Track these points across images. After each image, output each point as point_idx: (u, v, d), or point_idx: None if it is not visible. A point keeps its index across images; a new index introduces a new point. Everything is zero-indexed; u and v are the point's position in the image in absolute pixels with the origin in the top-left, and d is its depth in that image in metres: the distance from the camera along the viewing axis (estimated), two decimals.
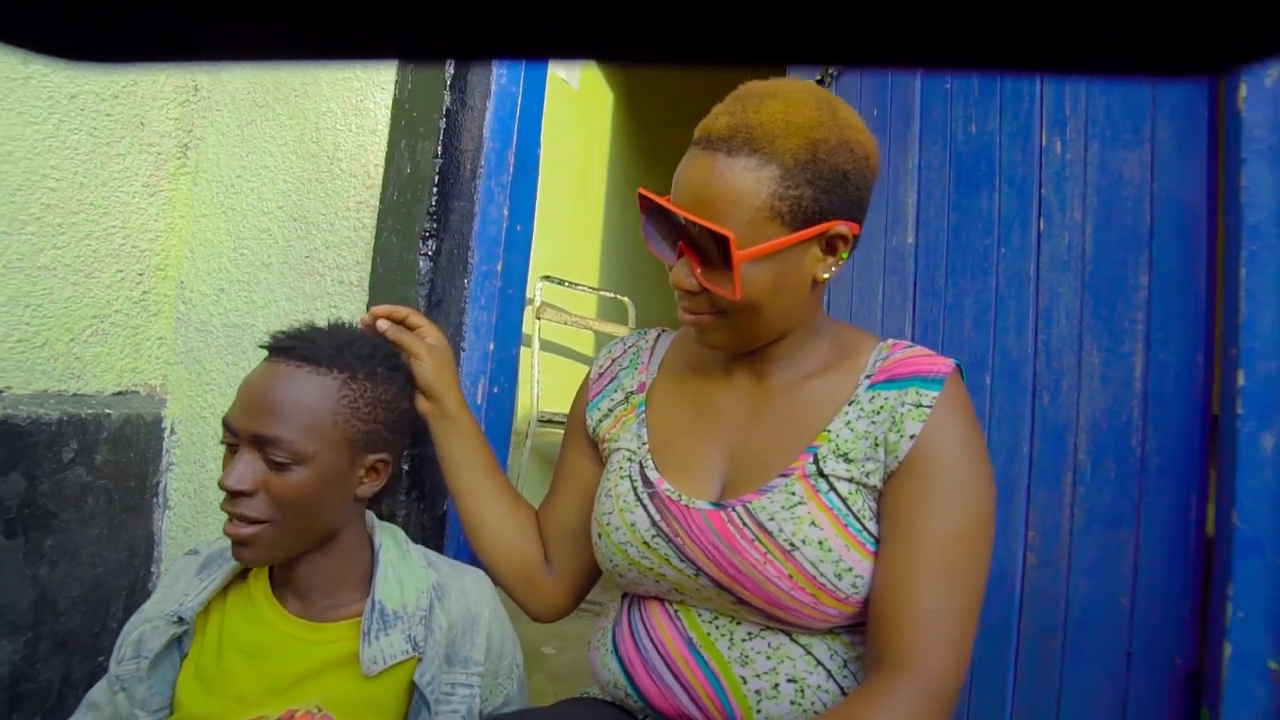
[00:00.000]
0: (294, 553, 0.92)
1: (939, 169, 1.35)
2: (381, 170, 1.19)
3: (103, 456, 1.28)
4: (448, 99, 1.14)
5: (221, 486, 0.85)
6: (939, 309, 1.33)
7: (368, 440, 0.92)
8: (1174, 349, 0.98)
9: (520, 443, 2.38)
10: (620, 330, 2.81)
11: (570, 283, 2.62)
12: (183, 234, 1.39)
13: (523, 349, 2.55)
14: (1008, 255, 1.21)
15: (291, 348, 0.88)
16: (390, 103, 1.19)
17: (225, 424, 0.87)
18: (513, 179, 1.23)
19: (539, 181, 1.31)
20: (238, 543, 0.87)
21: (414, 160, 1.16)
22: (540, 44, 0.17)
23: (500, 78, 1.19)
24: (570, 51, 0.18)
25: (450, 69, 1.13)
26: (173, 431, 1.37)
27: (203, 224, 1.37)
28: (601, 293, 2.98)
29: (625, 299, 3.05)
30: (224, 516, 1.14)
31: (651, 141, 3.49)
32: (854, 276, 1.53)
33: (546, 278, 2.54)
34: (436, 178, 1.15)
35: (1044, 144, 1.17)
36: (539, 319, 2.50)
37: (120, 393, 1.34)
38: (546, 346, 2.63)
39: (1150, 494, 0.99)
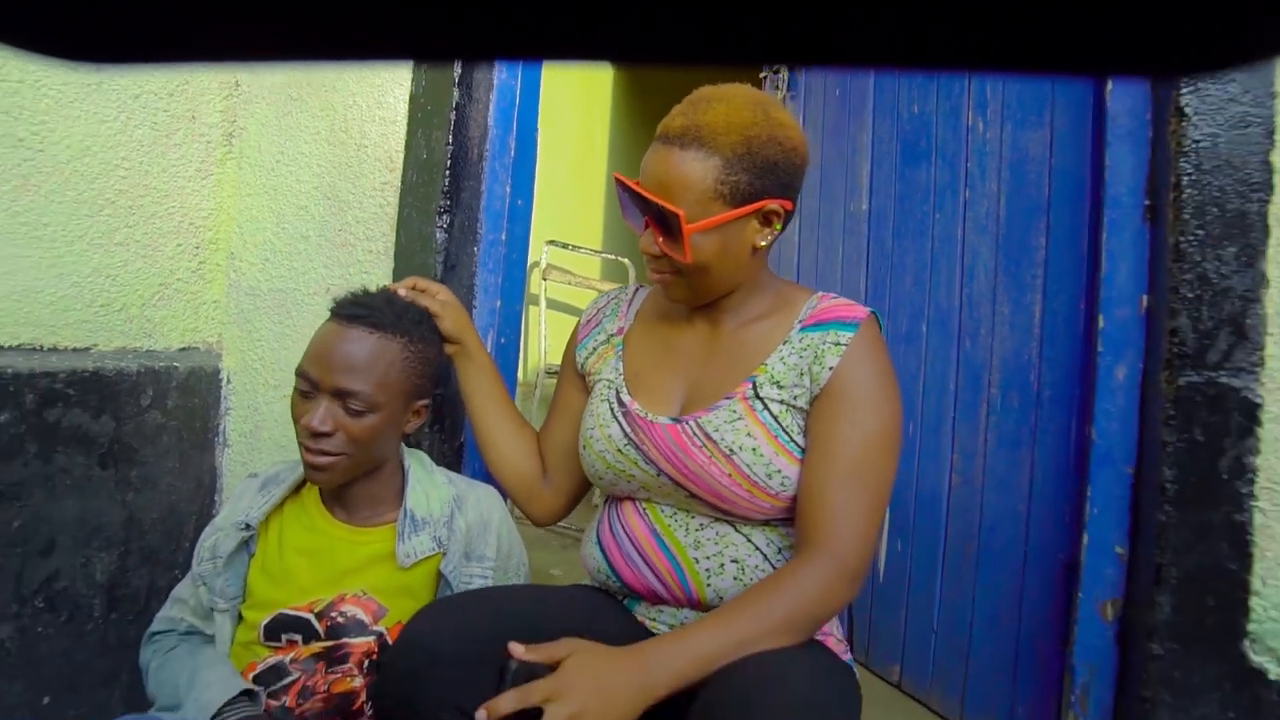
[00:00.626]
0: (354, 476, 1.15)
1: (888, 143, 1.54)
2: (402, 156, 1.39)
3: (173, 402, 1.51)
4: (456, 94, 1.34)
5: (306, 428, 1.07)
6: (886, 267, 1.53)
7: (417, 390, 1.15)
8: (1064, 299, 1.17)
9: (529, 392, 2.61)
10: None
11: (574, 246, 2.82)
12: (231, 212, 1.61)
13: (531, 308, 2.77)
14: (941, 221, 1.40)
15: (364, 315, 1.11)
16: (408, 97, 1.39)
17: (304, 375, 1.10)
18: (514, 160, 1.43)
19: (538, 159, 1.52)
20: (316, 469, 1.10)
21: (429, 147, 1.36)
22: (541, 46, 0.19)
23: (500, 73, 1.39)
24: (569, 54, 0.19)
25: (458, 68, 1.33)
26: (229, 381, 1.60)
27: (248, 203, 1.58)
28: (603, 255, 3.18)
29: (625, 260, 3.26)
30: (274, 452, 1.38)
31: (650, 112, 3.66)
32: (819, 239, 1.72)
33: (551, 242, 2.75)
34: (449, 162, 1.36)
35: (970, 123, 1.36)
36: (545, 280, 2.71)
37: (184, 349, 1.57)
38: (553, 305, 2.84)
39: (1043, 420, 1.20)
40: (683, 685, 0.85)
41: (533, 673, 0.83)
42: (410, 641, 0.87)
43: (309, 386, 1.10)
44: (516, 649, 0.83)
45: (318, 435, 1.08)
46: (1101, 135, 1.10)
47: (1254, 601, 0.94)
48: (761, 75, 1.91)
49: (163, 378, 1.50)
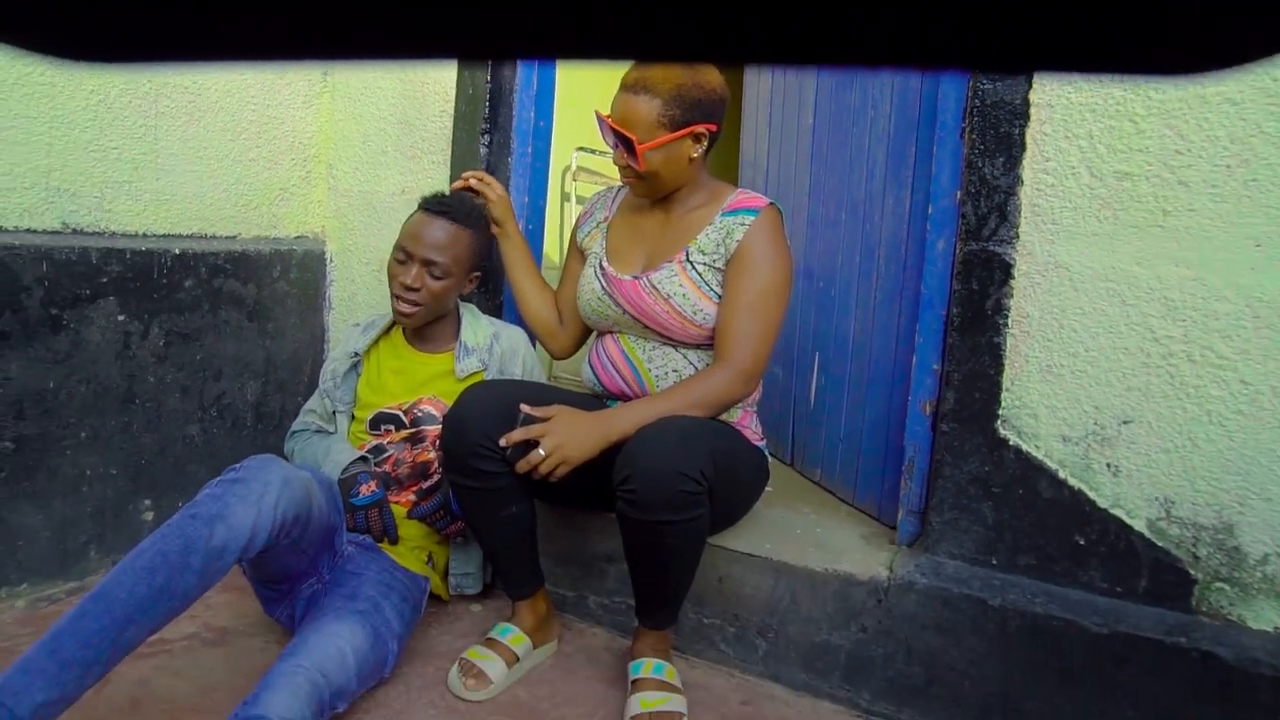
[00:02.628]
0: (427, 320, 1.70)
1: (827, 74, 1.97)
2: (454, 91, 1.89)
3: (294, 275, 2.08)
4: None
5: (401, 284, 1.62)
6: (823, 168, 1.98)
7: (474, 265, 1.69)
8: (921, 194, 1.62)
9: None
10: None
11: (600, 151, 3.29)
12: (329, 133, 2.13)
13: (565, 205, 3.26)
14: (856, 133, 1.85)
15: (447, 211, 1.64)
16: None
17: (401, 248, 1.64)
18: (536, 92, 1.91)
19: (569, 82, 1.99)
20: (403, 315, 1.65)
21: (474, 84, 1.86)
22: (545, 47, 0.19)
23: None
24: (572, 54, 0.20)
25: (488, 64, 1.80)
26: (331, 260, 2.16)
27: (340, 126, 2.10)
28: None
29: None
30: (367, 312, 1.95)
31: None
32: (780, 146, 2.17)
33: (581, 148, 3.21)
34: (488, 95, 1.85)
35: None
36: (574, 181, 3.19)
37: (299, 236, 2.13)
38: (581, 201, 3.32)
39: (908, 282, 1.67)
40: (627, 434, 1.37)
41: (535, 422, 1.38)
42: (462, 401, 1.43)
43: (405, 256, 1.64)
44: (524, 406, 1.38)
45: (409, 289, 1.62)
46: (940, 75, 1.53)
47: (1003, 396, 1.42)
48: None
49: (286, 258, 2.06)
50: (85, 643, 1.10)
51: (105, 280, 1.70)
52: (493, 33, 0.19)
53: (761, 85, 2.22)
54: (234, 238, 1.98)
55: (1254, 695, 1.24)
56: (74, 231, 1.69)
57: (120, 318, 1.74)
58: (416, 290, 1.63)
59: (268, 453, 1.40)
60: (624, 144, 1.49)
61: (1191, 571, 1.32)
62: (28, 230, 1.62)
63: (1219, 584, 1.31)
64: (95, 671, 1.11)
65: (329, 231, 2.16)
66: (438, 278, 1.64)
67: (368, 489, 1.59)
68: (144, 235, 1.80)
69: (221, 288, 1.92)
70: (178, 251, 1.82)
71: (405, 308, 1.64)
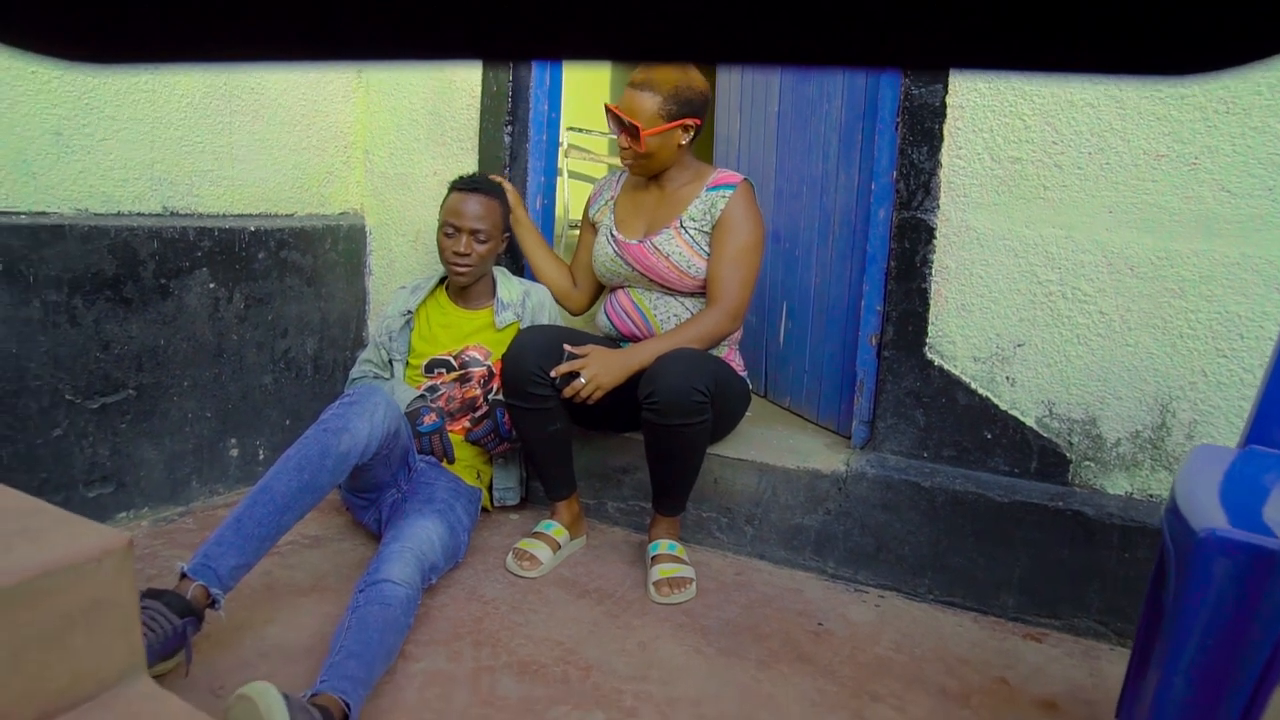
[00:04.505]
0: (479, 278, 2.08)
1: None
2: (480, 87, 2.25)
3: (341, 246, 2.44)
4: None
5: (455, 252, 1.99)
6: (787, 150, 2.39)
7: (504, 227, 2.08)
8: (865, 173, 2.04)
9: (556, 240, 3.52)
10: None
11: (586, 130, 3.66)
12: (365, 123, 2.48)
13: (557, 179, 3.61)
14: (814, 121, 2.26)
15: (480, 187, 2.01)
16: None
17: (448, 223, 2.01)
18: (549, 88, 2.28)
19: (563, 73, 2.36)
20: (459, 275, 2.03)
21: (498, 83, 2.22)
22: (549, 47, 0.20)
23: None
24: (576, 54, 0.20)
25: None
26: (371, 234, 2.52)
27: (377, 118, 2.45)
28: (609, 136, 4.01)
29: None
30: (403, 276, 2.32)
31: None
32: (751, 130, 2.57)
33: (571, 128, 3.58)
34: (510, 92, 2.22)
35: None
36: (566, 157, 3.56)
37: (343, 213, 2.48)
38: (574, 176, 3.70)
39: (856, 243, 2.09)
40: (646, 364, 1.78)
41: (576, 358, 1.79)
42: (518, 340, 1.83)
43: (452, 230, 2.02)
44: (568, 345, 1.79)
45: (462, 256, 2.00)
46: (880, 78, 1.94)
47: (929, 329, 1.86)
48: None
49: (334, 232, 2.42)
50: (259, 521, 1.49)
51: (200, 254, 2.05)
52: (506, 37, 0.19)
53: (734, 76, 2.61)
54: (292, 215, 2.33)
55: (1109, 540, 1.71)
56: (172, 214, 2.03)
57: (211, 285, 2.09)
58: (468, 255, 2.01)
59: (330, 398, 1.79)
60: (629, 130, 1.87)
61: (1067, 455, 1.78)
62: (139, 214, 1.96)
63: (1086, 462, 1.77)
64: (266, 545, 1.50)
65: (368, 208, 2.52)
66: (483, 241, 2.02)
67: (430, 419, 1.99)
68: (225, 215, 2.15)
69: (287, 259, 2.28)
70: (253, 229, 2.17)
71: (462, 269, 2.03)
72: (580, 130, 3.66)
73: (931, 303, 1.85)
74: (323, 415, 1.65)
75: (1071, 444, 1.78)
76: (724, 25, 0.18)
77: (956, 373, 1.85)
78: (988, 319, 1.82)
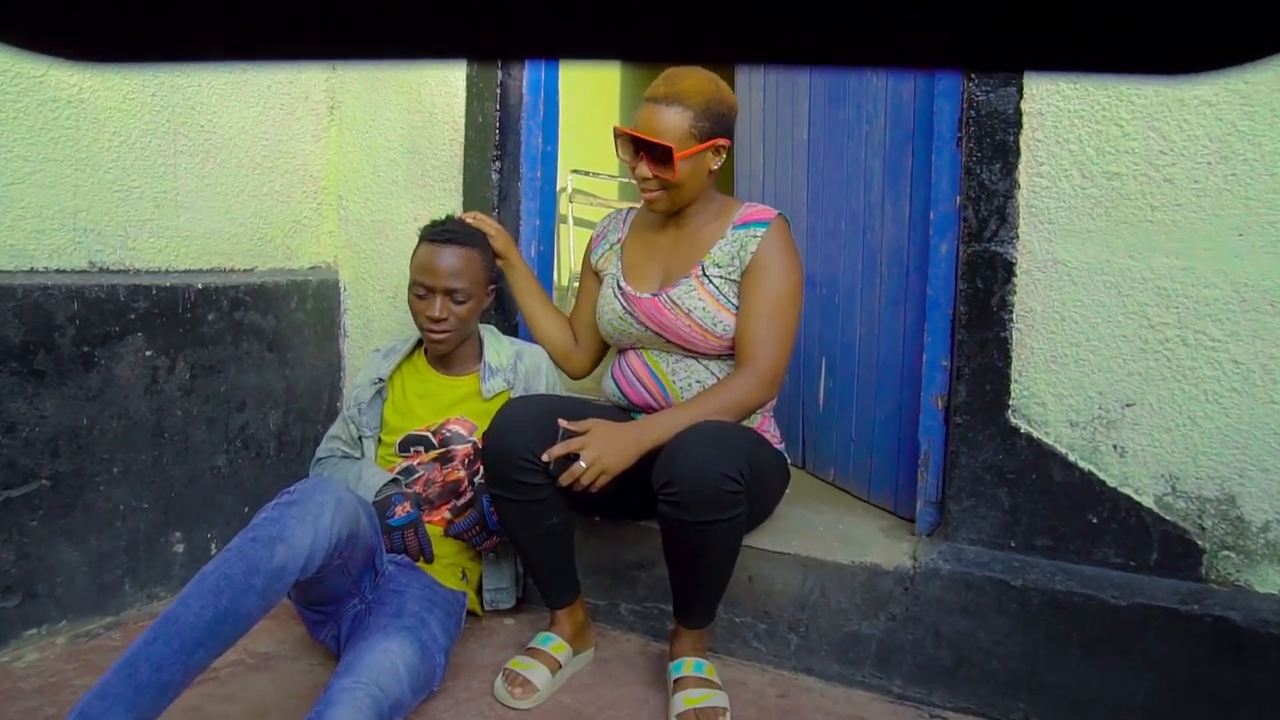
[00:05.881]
0: (461, 341, 1.75)
1: (820, 90, 2.06)
2: (463, 119, 1.96)
3: (310, 305, 2.13)
4: (500, 74, 1.89)
5: (429, 318, 1.66)
6: (820, 181, 2.07)
7: (488, 280, 1.75)
8: (920, 201, 1.71)
9: (563, 295, 3.20)
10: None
11: (594, 173, 3.37)
12: (338, 165, 2.19)
13: (561, 226, 3.32)
14: (852, 147, 1.93)
15: (454, 236, 1.69)
16: (465, 77, 1.94)
17: (419, 284, 1.68)
18: (543, 119, 1.98)
19: (566, 105, 2.07)
20: (437, 344, 1.70)
21: (483, 112, 1.92)
22: (552, 47, 0.20)
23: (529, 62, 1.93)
24: (580, 54, 0.20)
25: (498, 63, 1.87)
26: (346, 289, 2.21)
27: (350, 158, 2.16)
28: (620, 179, 3.72)
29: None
30: (382, 339, 1.99)
31: (643, 68, 4.13)
32: (776, 161, 2.26)
33: (575, 171, 3.29)
34: (497, 123, 1.92)
35: (869, 74, 1.87)
36: (571, 202, 3.27)
37: (313, 267, 2.18)
38: (579, 223, 3.40)
39: (911, 286, 1.75)
40: (662, 442, 1.43)
41: (574, 436, 1.44)
42: (502, 415, 1.48)
43: (424, 291, 1.69)
44: (563, 421, 1.44)
45: (437, 321, 1.67)
46: (934, 87, 1.62)
47: (1013, 387, 1.51)
48: None
49: (302, 288, 2.11)
50: (158, 666, 1.14)
51: (133, 317, 1.74)
52: (499, 31, 0.19)
53: (754, 101, 2.31)
54: (252, 270, 2.02)
55: (1265, 655, 1.32)
56: (101, 270, 1.73)
57: (148, 353, 1.77)
58: (444, 320, 1.68)
59: (295, 480, 1.45)
60: (656, 154, 1.54)
61: (1199, 542, 1.41)
62: (58, 270, 1.66)
63: (1225, 552, 1.39)
64: (169, 694, 1.15)
65: (342, 261, 2.21)
66: (461, 302, 1.70)
67: (402, 510, 1.64)
68: (167, 271, 1.84)
69: (242, 320, 1.96)
70: (200, 286, 1.86)
71: (439, 335, 1.69)
72: (585, 173, 3.38)
73: (1013, 355, 1.50)
74: (254, 519, 1.31)
75: (1204, 529, 1.40)
76: (735, 22, 0.18)
77: (1049, 441, 1.49)
78: (1086, 373, 1.46)
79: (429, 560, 1.65)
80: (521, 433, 1.44)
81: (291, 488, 1.36)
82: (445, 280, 1.68)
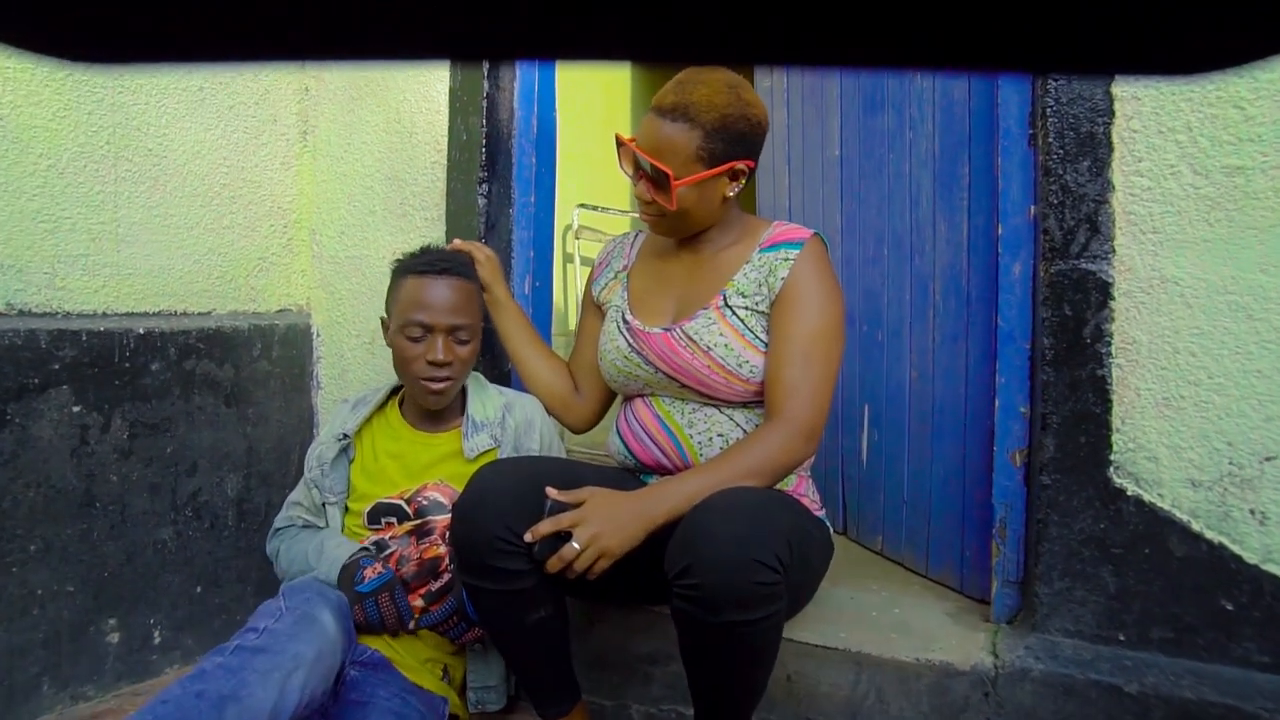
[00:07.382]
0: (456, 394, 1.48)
1: (852, 97, 1.80)
2: (446, 139, 1.71)
3: (276, 353, 1.87)
4: (486, 85, 1.65)
5: (430, 363, 1.39)
6: (855, 202, 1.80)
7: (485, 316, 1.48)
8: (981, 216, 1.44)
9: (565, 344, 2.93)
10: None
11: (601, 207, 3.12)
12: (310, 195, 1.95)
13: (568, 266, 3.08)
14: (893, 159, 1.67)
15: (450, 266, 1.42)
16: (447, 90, 1.70)
17: (414, 323, 1.39)
18: (537, 136, 1.73)
19: (569, 133, 1.82)
20: (436, 394, 1.42)
21: (468, 130, 1.68)
22: (554, 47, 0.19)
23: (521, 65, 1.68)
24: (579, 54, 0.20)
25: (486, 64, 1.63)
26: (319, 335, 1.95)
27: (323, 187, 1.92)
28: (630, 214, 3.48)
29: None
30: (360, 390, 1.72)
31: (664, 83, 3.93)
32: (803, 182, 2.00)
33: (582, 205, 3.05)
34: (484, 142, 1.67)
35: (912, 75, 1.61)
36: (578, 239, 3.02)
37: (281, 310, 1.92)
38: (586, 262, 3.15)
39: (973, 316, 1.47)
40: (676, 516, 1.14)
41: (565, 510, 1.15)
42: (473, 485, 1.19)
43: (422, 331, 1.41)
44: (552, 491, 1.15)
45: (441, 365, 1.40)
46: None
47: (1114, 438, 1.21)
48: None
49: (267, 334, 1.85)
50: None
51: (57, 367, 1.48)
52: (486, 29, 0.18)
53: (777, 117, 2.05)
54: (208, 314, 1.77)
55: None
56: (20, 313, 1.48)
57: (75, 409, 1.51)
58: (449, 364, 1.40)
59: (260, 553, 1.16)
60: (653, 177, 1.29)
61: None
62: None
63: None
64: None
65: (314, 303, 1.96)
66: (464, 342, 1.43)
67: (373, 571, 1.36)
68: (103, 315, 1.59)
69: (194, 370, 1.70)
70: (142, 331, 1.61)
71: (439, 386, 1.42)
72: (594, 208, 3.13)
73: (1114, 398, 1.20)
74: (205, 661, 1.03)
75: None
76: (748, 18, 0.18)
77: (1165, 506, 1.18)
78: (1211, 420, 1.16)
79: (410, 631, 1.37)
80: (498, 506, 1.15)
81: (260, 623, 1.08)
82: (447, 317, 1.41)
